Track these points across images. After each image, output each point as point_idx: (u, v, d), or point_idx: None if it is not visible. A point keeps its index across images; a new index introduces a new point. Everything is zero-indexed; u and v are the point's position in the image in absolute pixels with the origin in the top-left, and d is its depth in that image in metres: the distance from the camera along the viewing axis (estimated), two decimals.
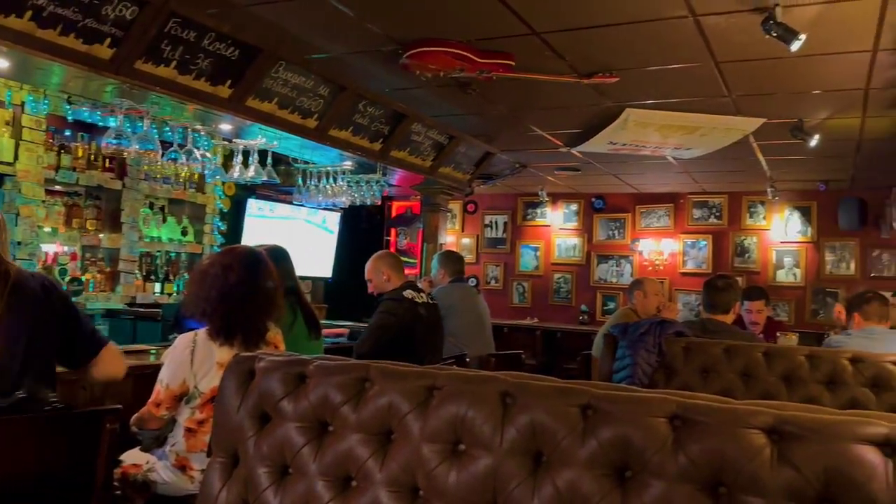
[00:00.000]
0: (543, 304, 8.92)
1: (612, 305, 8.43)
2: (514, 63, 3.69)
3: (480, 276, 9.26)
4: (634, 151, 5.76)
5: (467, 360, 4.42)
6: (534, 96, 4.48)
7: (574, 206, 8.84)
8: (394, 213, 9.48)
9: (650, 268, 8.27)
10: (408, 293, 3.74)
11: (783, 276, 7.78)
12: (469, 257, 9.19)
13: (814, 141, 4.75)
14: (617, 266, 8.57)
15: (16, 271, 2.20)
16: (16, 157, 4.32)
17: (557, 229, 8.94)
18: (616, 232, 8.62)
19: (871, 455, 1.31)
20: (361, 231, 8.90)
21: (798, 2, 2.85)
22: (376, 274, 3.88)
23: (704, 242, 8.12)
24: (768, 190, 7.16)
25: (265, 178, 4.44)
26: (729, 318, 4.13)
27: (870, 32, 3.13)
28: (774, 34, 2.87)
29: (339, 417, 1.75)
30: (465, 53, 3.56)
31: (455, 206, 9.28)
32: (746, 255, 7.96)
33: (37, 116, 4.39)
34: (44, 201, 4.53)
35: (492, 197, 9.09)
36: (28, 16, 2.73)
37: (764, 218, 7.90)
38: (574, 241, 8.84)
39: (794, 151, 5.51)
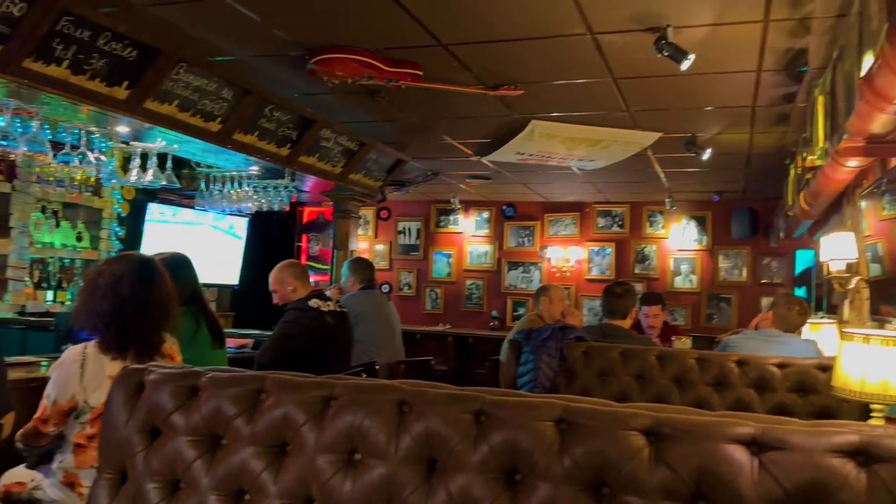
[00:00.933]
0: (456, 311, 9.01)
1: (521, 311, 8.60)
2: (421, 73, 3.73)
3: (393, 283, 9.26)
4: (542, 162, 5.92)
5: (377, 367, 4.41)
6: (443, 106, 4.54)
7: (486, 214, 8.99)
8: (305, 219, 9.36)
9: (558, 274, 8.50)
10: (313, 302, 3.68)
11: (680, 283, 8.16)
12: (382, 264, 9.18)
13: (706, 154, 5.03)
14: (526, 273, 8.77)
15: None
16: None
17: (470, 236, 9.07)
18: (526, 239, 8.82)
19: (739, 454, 1.40)
20: (272, 237, 8.73)
21: (688, 23, 3.02)
22: (281, 284, 3.78)
23: (608, 250, 8.42)
24: (666, 200, 7.51)
25: (164, 183, 4.30)
26: (627, 323, 4.31)
27: (753, 54, 3.35)
28: (666, 53, 3.03)
29: (233, 430, 1.73)
30: (372, 62, 3.57)
31: (368, 213, 9.26)
32: (647, 263, 8.31)
33: None
34: None
35: (405, 204, 9.12)
36: None
37: (663, 227, 8.27)
38: (486, 248, 8.98)
39: (690, 164, 5.80)
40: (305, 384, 1.75)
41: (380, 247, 9.37)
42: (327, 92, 4.21)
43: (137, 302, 2.41)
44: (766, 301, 7.38)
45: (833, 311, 4.90)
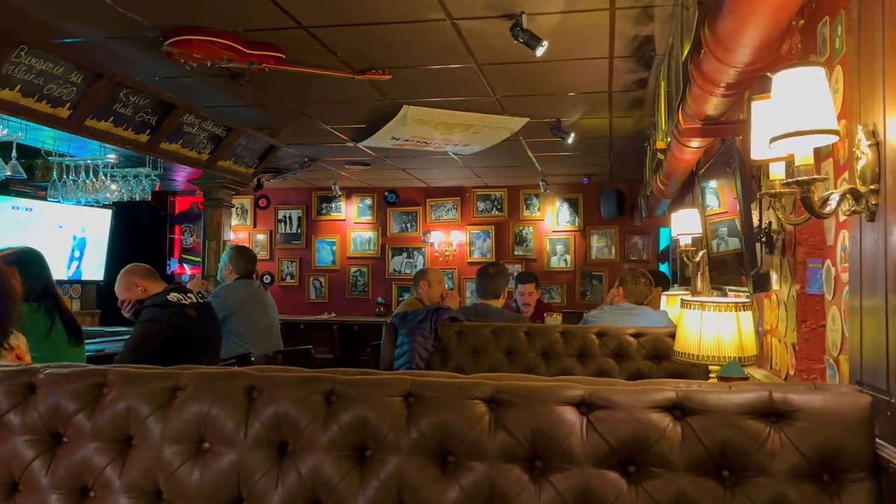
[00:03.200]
0: (341, 298, 8.96)
1: (406, 296, 8.65)
2: (284, 56, 3.67)
3: (275, 273, 9.08)
4: (418, 147, 5.97)
5: (252, 359, 4.32)
6: (314, 90, 4.48)
7: (368, 201, 8.96)
8: (177, 210, 8.99)
9: (441, 258, 8.63)
10: (172, 296, 3.50)
11: (556, 263, 8.50)
12: (263, 254, 8.97)
13: (570, 139, 5.24)
14: (410, 258, 8.83)
15: None
16: None
17: (353, 223, 9.02)
18: (408, 225, 8.87)
19: (570, 414, 1.50)
20: (142, 229, 8.34)
21: (541, 10, 3.13)
22: (129, 290, 3.50)
23: (488, 233, 8.63)
24: (540, 183, 7.78)
25: (9, 173, 4.00)
26: (500, 303, 4.46)
27: (604, 41, 3.52)
28: (521, 40, 3.13)
29: (74, 427, 1.66)
30: (231, 44, 3.47)
31: (246, 201, 9.01)
32: (525, 245, 8.58)
33: None
34: None
35: (284, 192, 8.94)
36: None
37: (538, 210, 8.57)
38: (369, 234, 8.96)
39: (559, 149, 6.03)
40: (149, 376, 1.70)
41: (260, 236, 9.15)
42: (188, 76, 4.05)
43: None
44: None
45: (688, 283, 5.27)
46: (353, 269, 8.97)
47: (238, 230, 8.90)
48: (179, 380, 1.68)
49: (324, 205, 9.04)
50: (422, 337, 3.86)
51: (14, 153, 4.05)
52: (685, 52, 2.27)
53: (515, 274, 6.19)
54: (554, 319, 5.23)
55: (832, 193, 1.35)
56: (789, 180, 1.36)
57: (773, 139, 1.32)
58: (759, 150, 1.72)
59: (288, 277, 9.07)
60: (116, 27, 3.37)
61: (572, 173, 7.67)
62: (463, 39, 3.48)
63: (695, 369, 3.22)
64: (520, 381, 1.61)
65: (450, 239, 8.68)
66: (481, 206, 8.69)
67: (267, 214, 9.18)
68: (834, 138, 1.32)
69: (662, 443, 1.43)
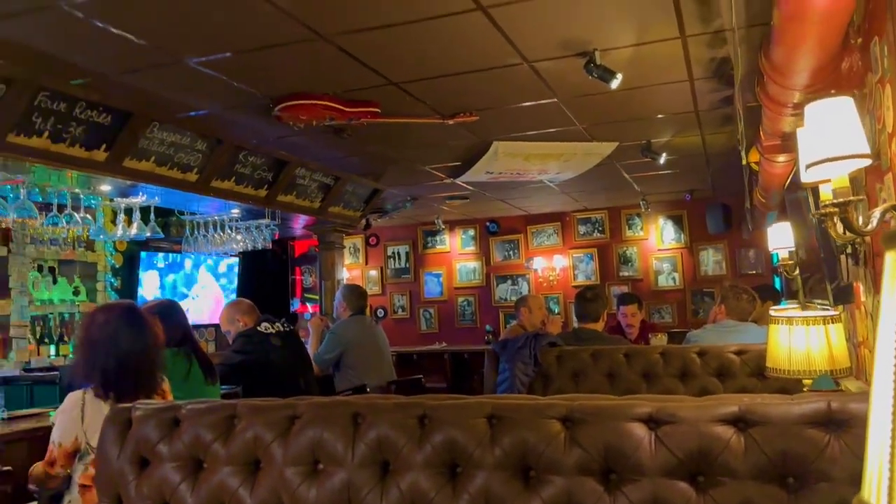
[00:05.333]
0: (451, 328, 9.22)
1: (514, 323, 8.80)
2: (379, 110, 3.99)
3: (388, 306, 9.48)
4: (513, 178, 6.18)
5: (367, 390, 4.63)
6: (408, 136, 4.79)
7: (471, 232, 9.23)
8: (297, 253, 9.60)
9: (545, 284, 8.73)
10: (263, 326, 4.09)
11: (664, 281, 8.38)
12: (375, 289, 9.40)
13: (662, 159, 5.27)
14: (515, 285, 8.99)
15: None
16: None
17: (457, 254, 9.30)
18: (511, 252, 9.05)
19: (639, 430, 1.63)
20: (267, 273, 8.98)
21: (612, 46, 3.27)
22: (232, 323, 4.22)
23: (591, 255, 8.66)
24: (640, 203, 7.76)
25: (149, 234, 4.55)
26: (599, 326, 4.54)
27: (681, 66, 3.60)
28: (595, 75, 3.28)
29: (211, 454, 1.95)
30: (332, 104, 3.82)
31: (357, 240, 9.50)
32: (630, 265, 8.53)
33: None
34: None
35: (392, 229, 9.36)
36: None
37: (641, 229, 8.51)
38: (474, 264, 9.21)
39: (655, 168, 6.04)
40: (272, 407, 1.98)
41: (372, 272, 9.60)
42: (297, 134, 4.46)
43: (130, 351, 2.62)
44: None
45: (795, 296, 5.11)
46: (460, 299, 9.22)
47: (352, 268, 9.39)
48: (297, 409, 1.94)
49: (429, 238, 9.38)
50: (522, 363, 4.01)
51: (152, 215, 4.61)
52: (738, 80, 2.36)
53: (619, 295, 6.21)
54: (659, 340, 5.22)
55: (875, 211, 1.43)
56: (828, 202, 1.45)
57: (808, 165, 1.43)
58: (804, 174, 1.79)
59: (399, 310, 9.45)
60: (233, 99, 3.81)
61: (673, 190, 7.60)
62: (541, 78, 3.67)
63: (801, 385, 3.18)
64: (591, 400, 1.75)
65: (553, 264, 8.78)
66: (582, 229, 8.74)
67: (377, 251, 9.63)
68: (866, 162, 1.41)
69: (727, 453, 1.54)
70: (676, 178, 6.84)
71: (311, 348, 4.95)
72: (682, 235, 8.33)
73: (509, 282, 9.04)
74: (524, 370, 3.98)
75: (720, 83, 3.87)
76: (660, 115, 4.61)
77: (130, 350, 2.61)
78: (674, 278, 8.35)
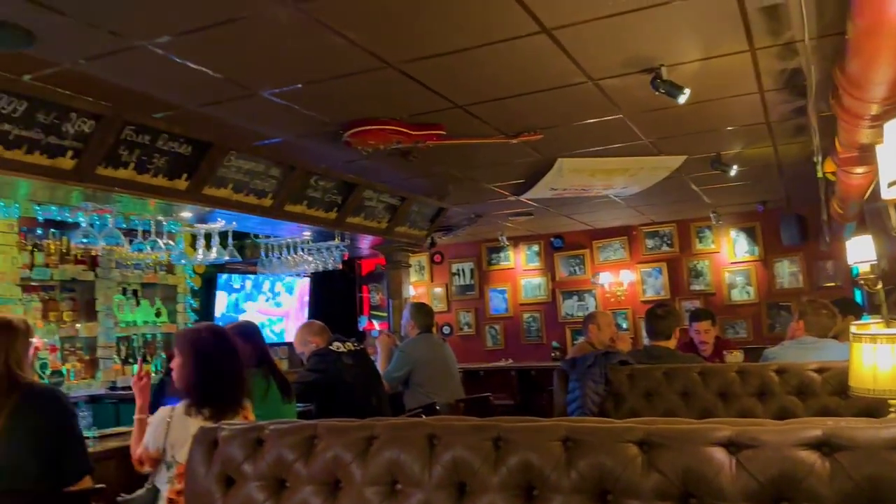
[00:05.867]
0: (516, 345, 9.19)
1: (581, 339, 8.70)
2: (445, 132, 4.06)
3: (454, 323, 9.52)
4: (578, 194, 6.15)
5: (437, 408, 4.67)
6: (472, 156, 4.85)
7: (535, 247, 9.20)
8: (364, 271, 9.77)
9: (612, 299, 8.62)
10: (334, 345, 4.24)
11: (737, 295, 8.15)
12: (441, 306, 9.47)
13: (733, 171, 5.16)
14: (581, 301, 8.91)
15: (26, 384, 2.49)
16: None
17: (522, 270, 9.28)
18: (577, 268, 8.98)
19: (719, 454, 1.61)
20: (335, 291, 9.17)
21: (679, 61, 3.25)
22: (304, 345, 4.39)
23: (660, 270, 8.50)
24: (711, 215, 7.58)
25: (227, 257, 4.74)
26: (671, 343, 4.44)
27: (750, 78, 3.53)
28: (662, 91, 3.26)
29: (294, 473, 2.02)
30: (399, 129, 3.92)
31: (423, 258, 9.60)
32: (701, 279, 8.33)
33: (8, 220, 4.66)
34: (20, 299, 4.76)
35: (456, 246, 9.42)
36: None
37: (712, 242, 8.31)
38: (539, 280, 9.17)
39: (725, 179, 5.91)
40: (350, 427, 2.04)
41: (437, 290, 9.67)
42: (365, 158, 4.57)
43: (222, 369, 2.76)
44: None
45: (877, 311, 4.89)
46: (525, 316, 9.19)
47: (417, 286, 9.49)
48: (374, 430, 1.99)
49: (493, 255, 9.40)
50: (592, 382, 3.97)
51: (230, 239, 4.80)
52: (811, 91, 2.31)
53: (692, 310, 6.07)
54: (734, 357, 5.07)
55: None
56: None
57: (891, 183, 1.39)
58: (885, 190, 1.74)
59: (465, 327, 9.48)
60: (305, 127, 3.95)
61: (745, 202, 7.41)
62: (606, 96, 3.67)
63: (887, 405, 3.05)
64: (669, 424, 1.74)
65: (620, 279, 8.65)
66: (650, 243, 8.60)
67: (442, 269, 9.71)
68: None
69: (812, 479, 1.50)
70: (748, 190, 6.67)
71: (379, 366, 5.03)
72: (756, 247, 8.09)
73: (575, 297, 8.96)
74: (595, 389, 3.94)
75: (792, 94, 3.78)
76: (729, 128, 4.53)
77: (223, 369, 2.74)
78: (748, 292, 8.11)
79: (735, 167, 5.13)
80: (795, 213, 7.69)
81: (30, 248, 4.89)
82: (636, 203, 7.08)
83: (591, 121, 4.14)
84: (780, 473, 1.53)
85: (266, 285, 6.89)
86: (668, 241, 8.50)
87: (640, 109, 3.94)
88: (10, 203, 4.55)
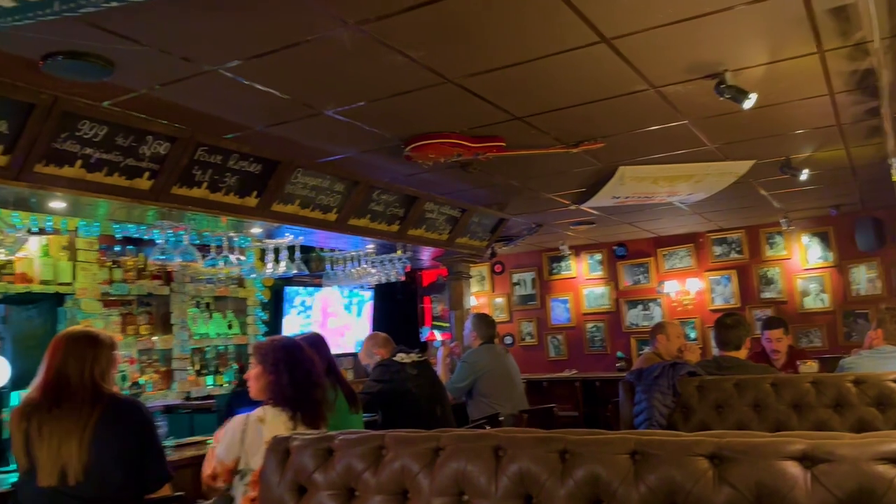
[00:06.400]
0: (580, 355, 9.09)
1: (646, 349, 8.55)
2: (504, 143, 4.08)
3: (515, 334, 9.49)
4: (641, 202, 6.06)
5: (500, 418, 4.67)
6: (532, 166, 4.85)
7: (598, 256, 9.09)
8: (426, 282, 9.85)
9: (679, 308, 8.43)
10: (399, 356, 4.32)
11: (811, 303, 7.86)
12: (502, 316, 9.45)
13: (804, 175, 5.00)
14: (646, 310, 8.75)
15: (109, 396, 2.62)
16: (74, 277, 4.83)
17: (584, 280, 9.18)
18: (641, 276, 8.83)
19: (793, 468, 1.57)
20: (398, 302, 9.27)
21: (744, 65, 3.18)
22: (370, 356, 4.50)
23: (729, 277, 8.27)
24: (781, 221, 7.35)
25: (295, 271, 4.87)
26: (742, 354, 4.32)
27: (820, 80, 3.43)
28: (727, 96, 3.20)
29: (363, 483, 2.06)
30: (459, 142, 3.96)
31: (483, 269, 9.61)
32: (772, 286, 8.07)
33: (89, 238, 4.92)
34: (100, 313, 5.01)
35: (517, 256, 9.40)
36: (79, 164, 3.22)
37: (784, 248, 8.04)
38: (602, 289, 9.06)
39: (797, 183, 5.73)
40: (417, 438, 2.07)
41: (498, 300, 9.67)
42: (425, 171, 4.64)
43: (310, 376, 2.84)
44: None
45: None
46: (589, 325, 9.09)
47: (479, 296, 9.50)
48: (440, 441, 2.01)
49: (554, 264, 9.34)
50: (659, 394, 3.90)
51: (298, 254, 4.94)
52: (883, 91, 2.23)
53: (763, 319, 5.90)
54: (809, 367, 4.89)
55: None
56: None
57: None
58: None
59: (527, 337, 9.44)
60: (367, 143, 4.04)
61: (817, 206, 7.15)
62: (669, 102, 3.62)
63: None
64: (740, 437, 1.70)
65: (686, 287, 8.47)
66: (718, 250, 8.39)
67: (503, 279, 9.70)
68: None
69: (891, 494, 1.45)
70: (820, 193, 6.45)
71: (440, 376, 5.07)
72: (830, 253, 7.79)
73: (640, 307, 8.81)
74: (662, 401, 3.87)
75: (864, 95, 3.65)
76: (799, 131, 4.40)
77: (299, 379, 2.82)
78: (822, 299, 7.81)
79: (806, 171, 4.97)
80: (871, 217, 7.38)
81: (109, 264, 5.14)
82: (702, 209, 6.93)
83: (654, 128, 4.09)
84: (858, 488, 1.48)
85: (328, 298, 7.05)
86: (737, 248, 8.27)
87: (704, 115, 3.87)
88: (91, 222, 4.80)
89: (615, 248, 8.92)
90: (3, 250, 3.77)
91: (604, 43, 2.85)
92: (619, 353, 8.79)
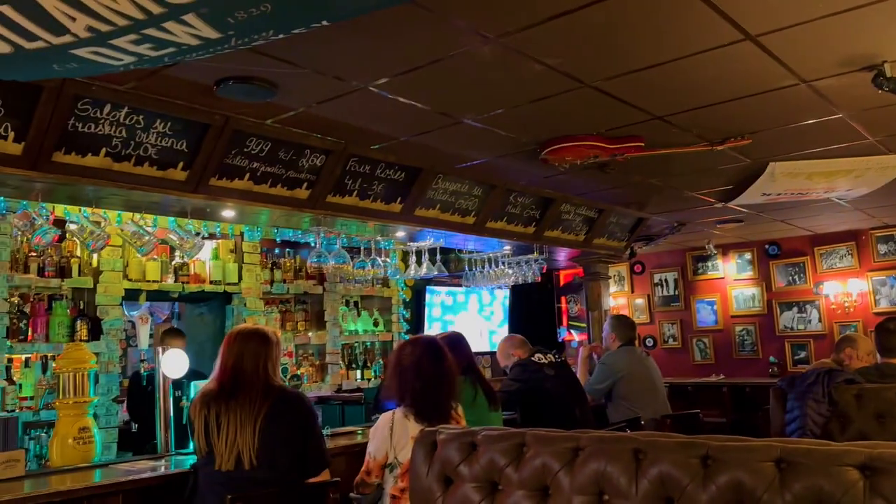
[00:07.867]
0: (728, 359, 8.70)
1: (802, 354, 8.07)
2: (643, 143, 4.03)
3: (657, 335, 9.24)
4: (795, 199, 5.74)
5: (642, 423, 4.62)
6: (673, 165, 4.74)
7: (747, 255, 8.66)
8: (562, 282, 9.82)
9: (839, 311, 7.86)
10: (535, 357, 4.40)
11: None
12: (643, 317, 9.23)
13: None
14: (802, 312, 8.22)
15: (278, 388, 2.90)
16: (240, 278, 5.32)
17: (732, 280, 8.77)
18: (796, 277, 8.31)
19: None
20: (534, 302, 9.32)
21: None
22: (507, 358, 4.59)
23: (895, 278, 7.60)
24: None
25: (436, 273, 5.08)
26: None
27: None
28: (886, 89, 3.00)
29: (505, 477, 2.16)
30: (596, 143, 3.96)
31: (622, 269, 9.43)
32: None
33: (253, 242, 5.39)
34: (262, 311, 5.47)
35: (658, 255, 9.14)
36: (247, 177, 3.57)
37: None
38: (752, 290, 8.61)
39: None
40: (557, 438, 2.14)
41: (638, 301, 9.45)
42: (562, 173, 4.67)
43: (434, 377, 3.00)
44: None
45: None
46: (738, 328, 8.67)
47: (617, 296, 9.34)
48: (580, 441, 2.08)
49: (699, 264, 8.99)
50: (813, 402, 3.72)
51: (438, 256, 5.15)
52: None
53: None
54: None
55: None
56: None
57: None
58: None
59: (670, 340, 9.15)
60: (504, 148, 4.14)
61: None
62: (822, 96, 3.44)
63: None
64: (893, 448, 1.64)
65: (847, 289, 7.87)
66: (882, 248, 7.73)
67: (643, 279, 9.47)
68: None
69: None
70: None
71: (579, 377, 5.08)
72: None
73: (795, 309, 8.29)
74: (817, 409, 3.69)
75: None
76: None
77: (433, 376, 2.98)
78: None
79: None
80: None
81: (269, 266, 5.60)
82: (864, 205, 6.43)
83: (807, 122, 3.88)
84: None
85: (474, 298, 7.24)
86: None
87: (862, 108, 3.64)
88: (254, 228, 5.27)
89: (767, 246, 8.46)
90: (182, 254, 4.24)
91: (749, 40, 2.77)
92: (771, 358, 8.33)
